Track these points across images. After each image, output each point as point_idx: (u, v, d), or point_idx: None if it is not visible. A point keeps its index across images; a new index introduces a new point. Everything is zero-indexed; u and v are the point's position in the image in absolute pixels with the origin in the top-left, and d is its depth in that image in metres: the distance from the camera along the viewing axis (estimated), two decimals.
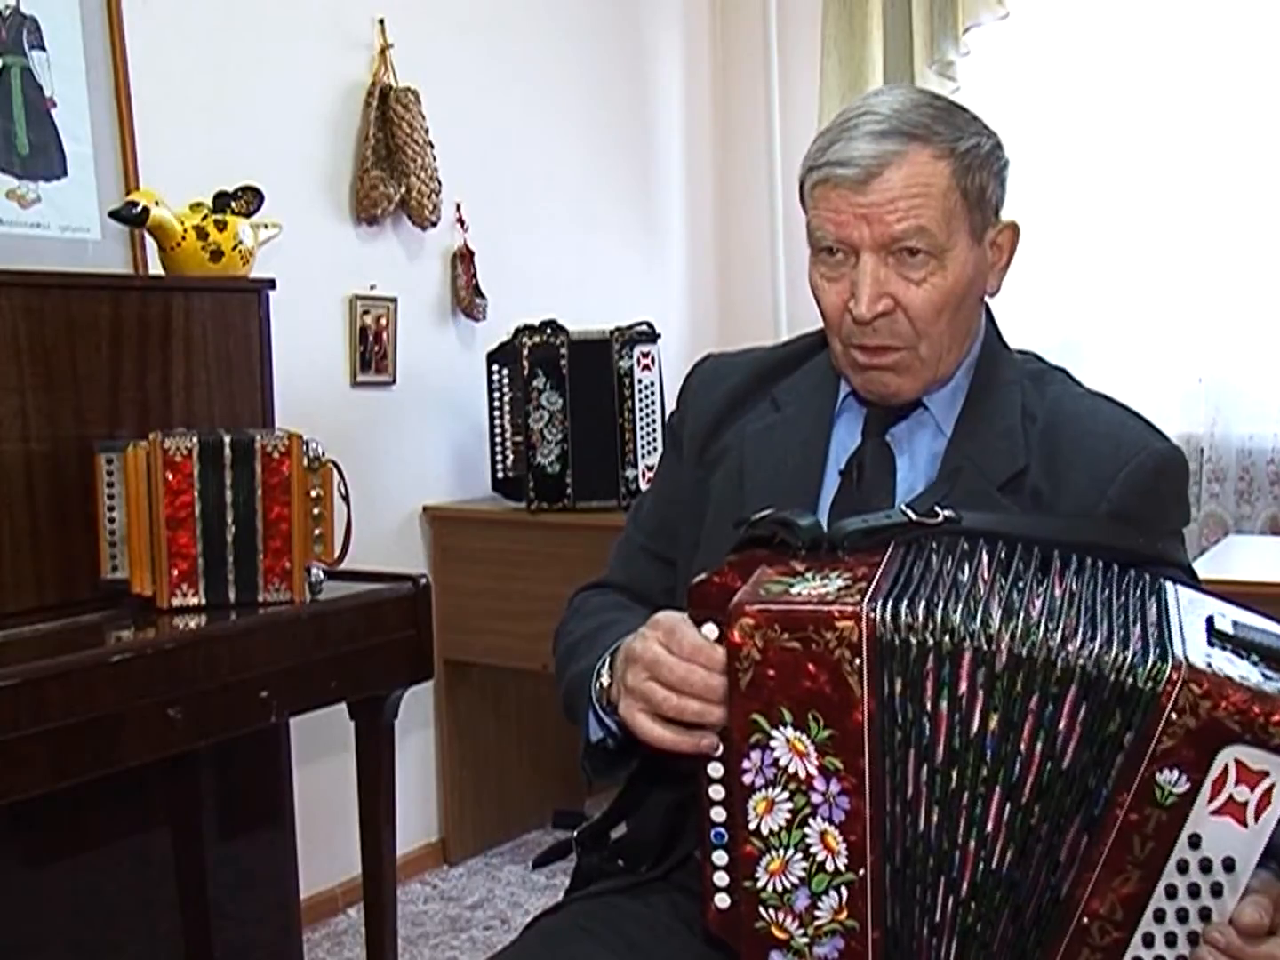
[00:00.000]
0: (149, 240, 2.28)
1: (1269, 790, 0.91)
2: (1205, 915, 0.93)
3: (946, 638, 0.97)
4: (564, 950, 1.21)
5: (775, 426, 1.35)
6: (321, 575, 2.12)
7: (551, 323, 3.00)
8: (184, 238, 2.21)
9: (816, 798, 0.99)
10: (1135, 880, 0.94)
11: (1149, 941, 0.94)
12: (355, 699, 2.21)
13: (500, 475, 3.09)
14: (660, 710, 1.06)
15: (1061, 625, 0.96)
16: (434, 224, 3.03)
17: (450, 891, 3.10)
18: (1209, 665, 0.93)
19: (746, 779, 1.00)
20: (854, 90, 3.65)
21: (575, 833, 1.34)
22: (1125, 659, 0.94)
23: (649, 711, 1.08)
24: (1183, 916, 0.94)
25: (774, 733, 0.99)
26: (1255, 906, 0.93)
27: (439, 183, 2.99)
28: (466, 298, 3.19)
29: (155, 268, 2.32)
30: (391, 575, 2.28)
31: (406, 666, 2.23)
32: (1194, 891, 0.93)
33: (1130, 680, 0.93)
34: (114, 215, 2.18)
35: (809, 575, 1.03)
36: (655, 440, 2.97)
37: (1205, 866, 0.93)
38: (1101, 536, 1.14)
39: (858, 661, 0.97)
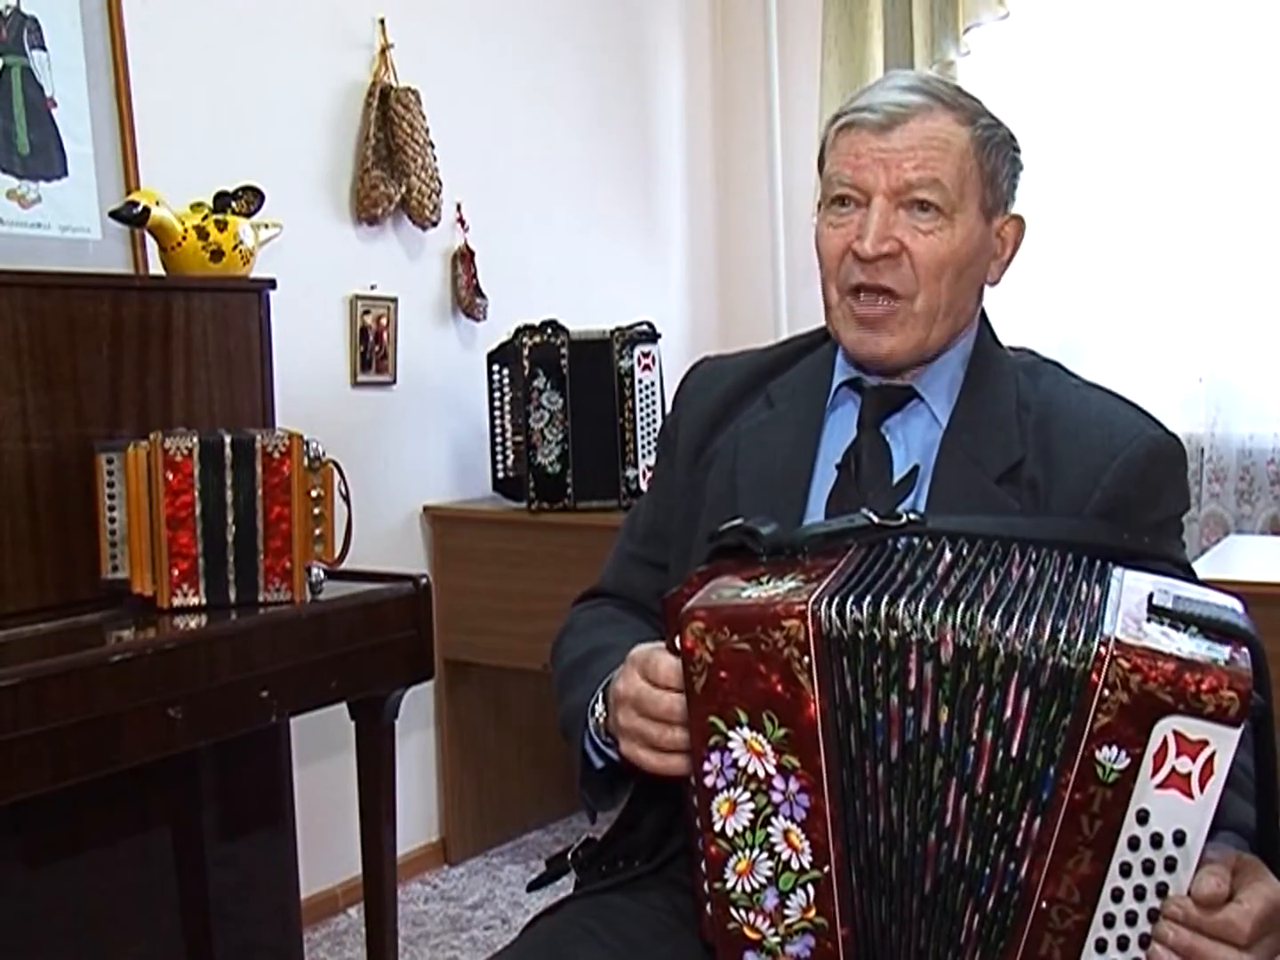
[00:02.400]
0: (149, 240, 2.28)
1: (1210, 759, 0.90)
2: (1162, 891, 0.93)
3: (893, 632, 0.97)
4: (564, 951, 1.20)
5: (768, 423, 1.35)
6: (322, 575, 2.12)
7: (552, 323, 3.00)
8: (184, 238, 2.21)
9: (777, 796, 1.00)
10: (1088, 861, 0.94)
11: (1109, 921, 0.94)
12: (355, 699, 2.21)
13: (500, 475, 3.09)
14: (656, 744, 1.09)
15: (1004, 615, 0.97)
16: (434, 224, 3.03)
17: (450, 891, 3.10)
18: (1140, 640, 0.93)
19: (708, 781, 1.01)
20: (854, 90, 3.65)
21: (570, 855, 1.33)
22: (1058, 641, 0.94)
23: (648, 747, 1.09)
24: (1140, 894, 0.94)
25: (731, 734, 0.99)
26: (1213, 876, 0.93)
27: (439, 183, 2.99)
28: (467, 298, 3.19)
29: (155, 268, 2.32)
30: (391, 575, 2.28)
31: (406, 666, 2.23)
32: (1148, 868, 0.93)
33: (1064, 661, 0.94)
34: (114, 215, 2.17)
35: (764, 579, 1.04)
36: (655, 440, 2.97)
37: (1156, 841, 0.92)
38: (1078, 535, 1.14)
39: (806, 659, 0.97)
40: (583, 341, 2.98)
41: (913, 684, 0.98)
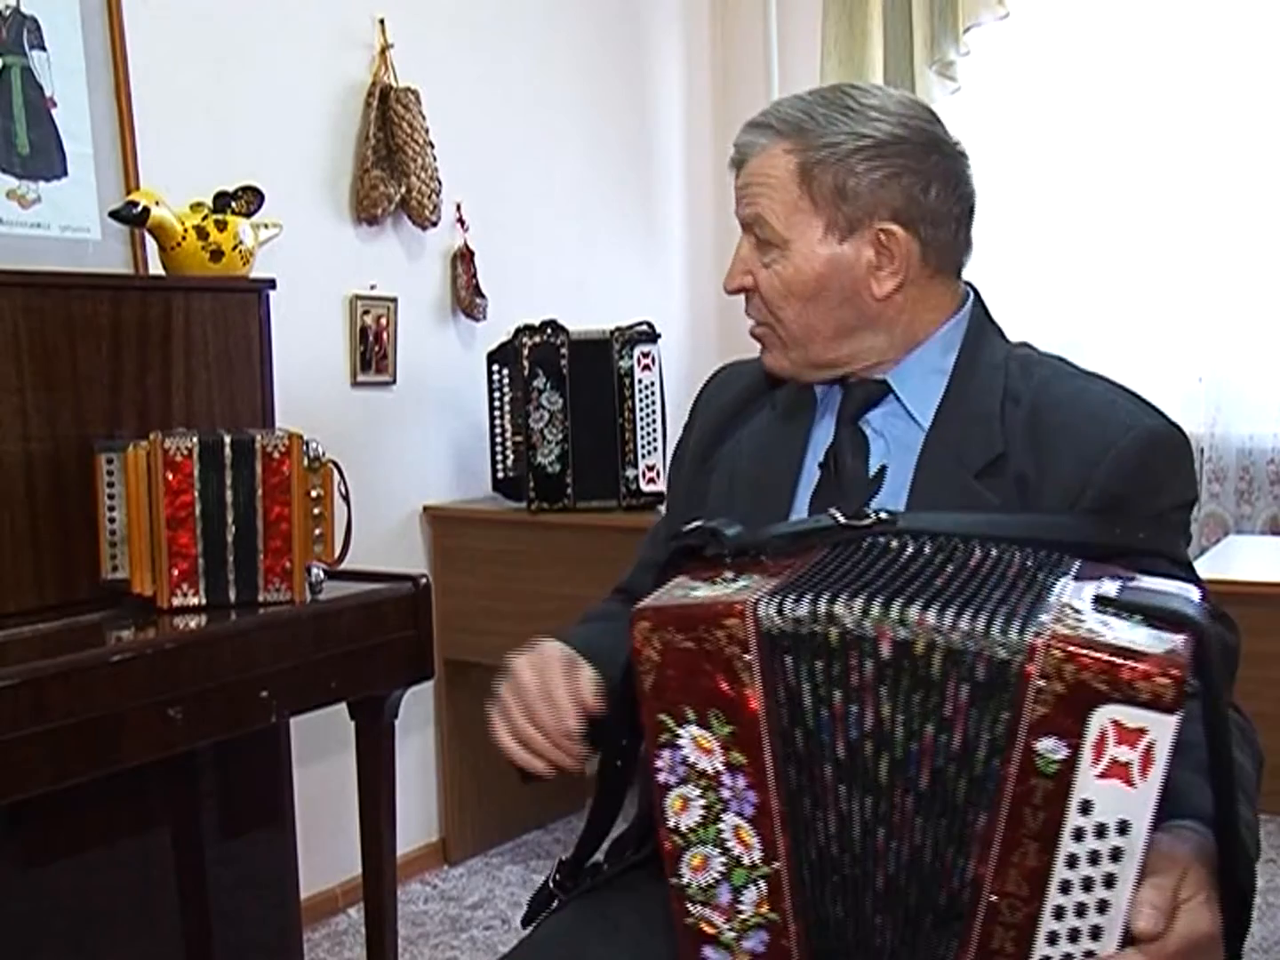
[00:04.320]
0: (149, 240, 2.28)
1: (1150, 748, 0.90)
2: (1109, 881, 0.93)
3: (833, 629, 0.97)
4: (567, 950, 1.21)
5: (767, 427, 1.37)
6: (321, 575, 2.12)
7: (551, 323, 3.00)
8: (184, 238, 2.21)
9: (725, 793, 1.01)
10: (1034, 853, 0.93)
11: (1059, 914, 0.94)
12: (355, 699, 2.21)
13: (500, 475, 3.09)
14: (514, 732, 1.19)
15: (943, 609, 0.96)
16: (434, 224, 3.03)
17: (450, 891, 3.10)
18: (1076, 630, 0.92)
19: (661, 778, 1.02)
20: None
21: (552, 882, 1.34)
22: (992, 634, 0.94)
23: (508, 727, 1.19)
24: (1088, 885, 0.93)
25: (680, 731, 1.01)
26: (1150, 909, 0.92)
27: (439, 183, 2.99)
28: (466, 298, 3.19)
29: (155, 268, 2.32)
30: (391, 575, 2.28)
31: (406, 666, 2.23)
32: (1094, 858, 0.92)
33: (998, 653, 0.93)
34: (114, 215, 2.17)
35: (718, 580, 1.05)
36: (655, 440, 2.97)
37: (1100, 832, 0.92)
38: (1063, 532, 1.13)
39: (748, 657, 0.98)
40: (583, 341, 2.98)
41: (855, 681, 0.97)
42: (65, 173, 2.29)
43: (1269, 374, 3.37)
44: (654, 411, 2.98)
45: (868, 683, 0.97)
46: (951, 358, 1.29)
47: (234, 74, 2.68)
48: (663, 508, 1.55)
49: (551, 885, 1.33)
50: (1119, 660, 0.89)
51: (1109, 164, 3.49)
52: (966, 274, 1.37)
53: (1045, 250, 3.50)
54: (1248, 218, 3.36)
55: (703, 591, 1.03)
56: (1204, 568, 2.48)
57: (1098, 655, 0.90)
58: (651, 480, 2.95)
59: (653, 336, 2.99)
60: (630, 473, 2.96)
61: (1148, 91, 3.44)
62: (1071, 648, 0.91)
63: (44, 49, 2.27)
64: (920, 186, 1.25)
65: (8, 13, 2.23)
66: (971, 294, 1.34)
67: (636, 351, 2.96)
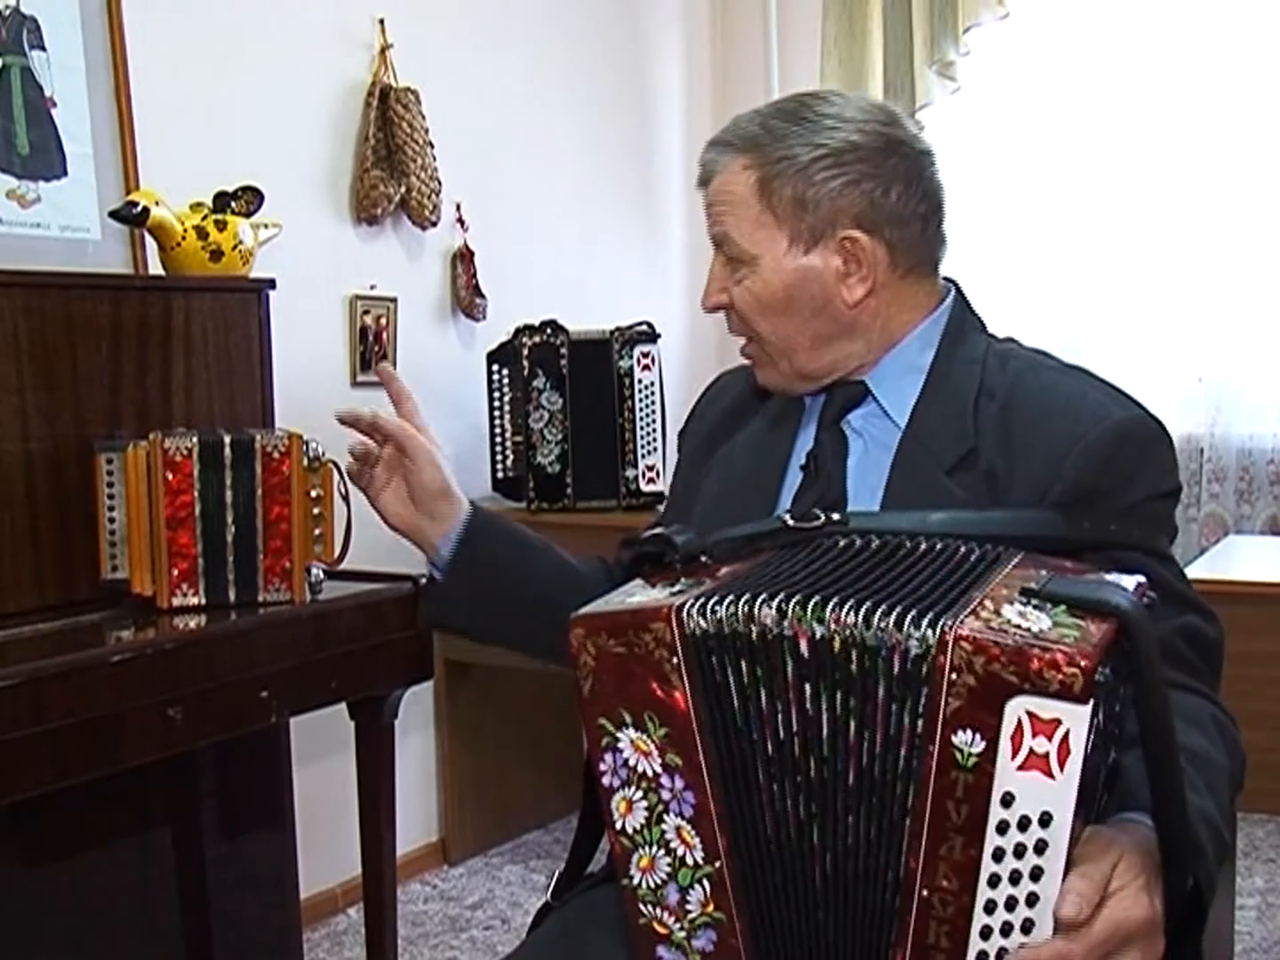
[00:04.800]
0: (149, 240, 2.28)
1: (1065, 738, 0.89)
2: (1036, 875, 0.92)
3: (754, 629, 0.98)
4: (567, 949, 1.21)
5: (758, 432, 1.37)
6: (321, 575, 2.12)
7: (551, 323, 3.00)
8: (184, 238, 2.21)
9: (665, 794, 1.02)
10: (960, 847, 0.93)
11: (990, 908, 0.94)
12: (355, 699, 2.21)
13: (500, 475, 3.09)
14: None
15: (858, 605, 0.96)
16: (434, 224, 3.03)
17: (450, 891, 3.10)
18: (989, 621, 0.92)
19: (605, 780, 1.04)
20: (853, 90, 3.65)
21: (550, 894, 1.34)
22: (904, 628, 0.94)
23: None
24: (1015, 878, 0.93)
25: (619, 734, 1.02)
26: (1075, 896, 0.91)
27: (439, 183, 2.99)
28: (466, 298, 3.19)
29: (155, 268, 2.32)
30: (391, 575, 2.28)
31: (406, 666, 2.23)
32: (1019, 851, 0.92)
33: (911, 648, 0.93)
34: (114, 215, 2.17)
35: (661, 584, 1.07)
36: (655, 440, 2.97)
37: (1023, 825, 0.92)
38: (1028, 527, 1.13)
39: (675, 660, 0.99)
40: (582, 341, 2.98)
41: (779, 680, 0.98)
42: (65, 173, 2.29)
43: (1269, 374, 3.38)
44: (654, 411, 2.98)
45: (791, 682, 0.98)
46: (929, 355, 1.29)
47: (234, 74, 2.68)
48: (662, 508, 1.55)
49: (550, 899, 1.34)
50: (1026, 650, 0.90)
51: (1109, 164, 3.49)
52: (965, 274, 1.36)
53: (1045, 250, 3.51)
54: (1247, 218, 3.37)
55: (638, 597, 1.04)
56: (1204, 567, 2.49)
57: (1007, 646, 0.90)
58: (651, 480, 2.95)
59: (653, 336, 2.99)
60: (630, 473, 2.96)
61: (1147, 91, 3.45)
62: (981, 639, 0.91)
63: (44, 49, 2.27)
64: (880, 190, 1.25)
65: (8, 13, 2.23)
66: (952, 290, 1.33)
67: (636, 351, 2.97)
